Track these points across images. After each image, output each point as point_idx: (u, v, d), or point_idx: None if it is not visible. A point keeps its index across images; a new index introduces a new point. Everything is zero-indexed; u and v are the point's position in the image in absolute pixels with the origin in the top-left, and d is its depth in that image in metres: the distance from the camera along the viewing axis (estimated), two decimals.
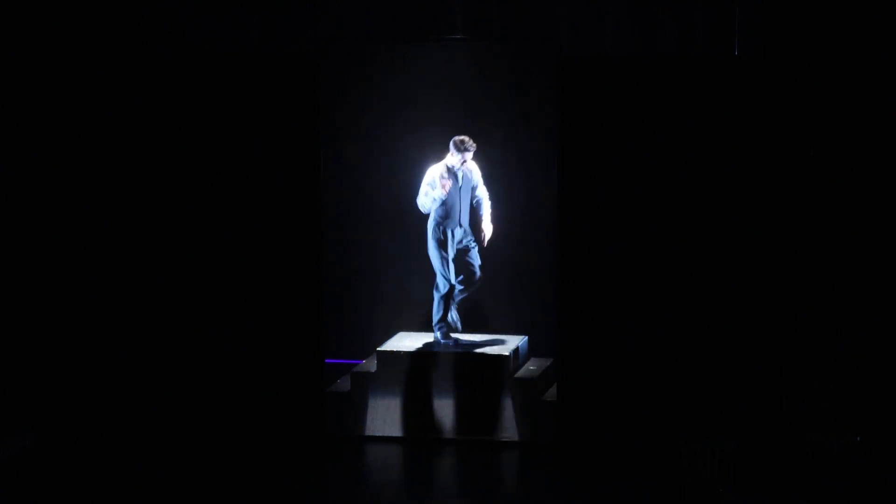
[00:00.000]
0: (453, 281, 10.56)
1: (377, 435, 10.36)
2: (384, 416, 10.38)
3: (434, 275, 10.64)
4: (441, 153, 10.54)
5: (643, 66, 9.45)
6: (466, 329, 10.84)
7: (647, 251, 9.46)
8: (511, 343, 10.64)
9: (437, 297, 10.64)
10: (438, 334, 10.66)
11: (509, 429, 10.22)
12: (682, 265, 9.42)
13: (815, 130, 9.23)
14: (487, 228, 10.63)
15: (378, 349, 10.59)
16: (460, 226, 10.54)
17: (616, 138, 9.44)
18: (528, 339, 10.89)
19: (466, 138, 10.40)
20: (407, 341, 10.78)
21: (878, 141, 9.16)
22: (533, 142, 10.99)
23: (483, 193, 10.63)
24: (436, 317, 10.65)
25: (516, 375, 10.41)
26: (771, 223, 9.29)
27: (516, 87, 11.05)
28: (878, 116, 9.15)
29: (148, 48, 10.00)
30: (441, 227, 10.52)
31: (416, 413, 10.33)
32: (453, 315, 10.70)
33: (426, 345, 10.63)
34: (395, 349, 10.56)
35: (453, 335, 10.69)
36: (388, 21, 9.96)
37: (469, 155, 10.42)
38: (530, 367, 10.67)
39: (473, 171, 10.59)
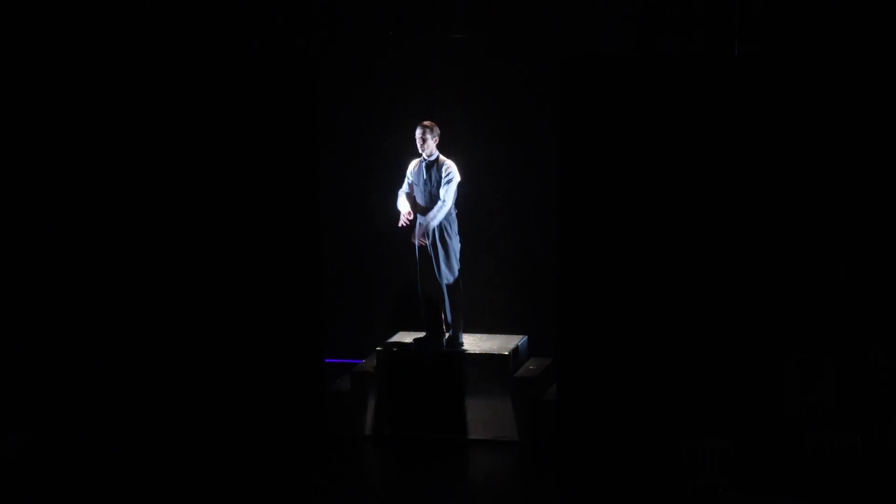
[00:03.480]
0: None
1: (376, 434, 10.36)
2: (383, 416, 10.38)
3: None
4: (441, 151, 10.54)
5: (644, 64, 9.44)
6: (465, 329, 10.84)
7: (648, 250, 9.44)
8: (511, 342, 10.64)
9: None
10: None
11: (509, 428, 10.22)
12: (683, 264, 9.40)
13: (816, 130, 9.23)
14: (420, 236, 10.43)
15: (378, 349, 10.58)
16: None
17: (617, 136, 9.42)
18: (528, 339, 10.89)
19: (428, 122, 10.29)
20: (407, 341, 10.76)
21: (879, 140, 9.16)
22: (534, 139, 10.99)
23: (444, 195, 10.35)
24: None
25: (516, 375, 10.41)
26: (771, 223, 9.27)
27: (517, 84, 11.05)
28: (879, 116, 9.15)
29: (148, 48, 10.00)
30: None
31: (416, 413, 10.33)
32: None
33: (427, 343, 10.65)
34: (394, 349, 10.55)
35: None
36: (388, 20, 9.98)
37: (421, 133, 10.26)
38: (530, 366, 10.67)
39: (446, 167, 10.36)
